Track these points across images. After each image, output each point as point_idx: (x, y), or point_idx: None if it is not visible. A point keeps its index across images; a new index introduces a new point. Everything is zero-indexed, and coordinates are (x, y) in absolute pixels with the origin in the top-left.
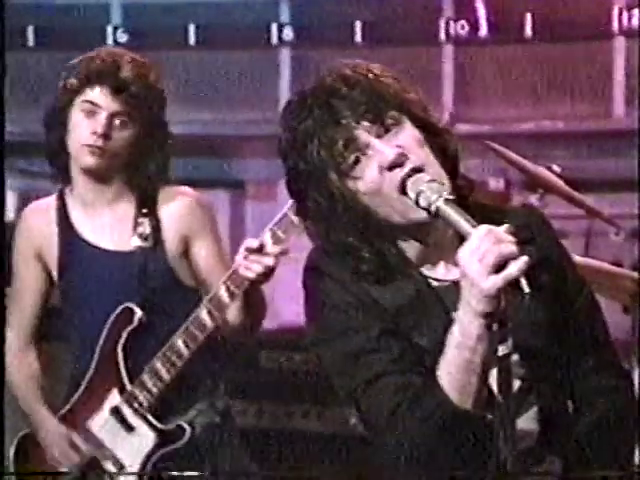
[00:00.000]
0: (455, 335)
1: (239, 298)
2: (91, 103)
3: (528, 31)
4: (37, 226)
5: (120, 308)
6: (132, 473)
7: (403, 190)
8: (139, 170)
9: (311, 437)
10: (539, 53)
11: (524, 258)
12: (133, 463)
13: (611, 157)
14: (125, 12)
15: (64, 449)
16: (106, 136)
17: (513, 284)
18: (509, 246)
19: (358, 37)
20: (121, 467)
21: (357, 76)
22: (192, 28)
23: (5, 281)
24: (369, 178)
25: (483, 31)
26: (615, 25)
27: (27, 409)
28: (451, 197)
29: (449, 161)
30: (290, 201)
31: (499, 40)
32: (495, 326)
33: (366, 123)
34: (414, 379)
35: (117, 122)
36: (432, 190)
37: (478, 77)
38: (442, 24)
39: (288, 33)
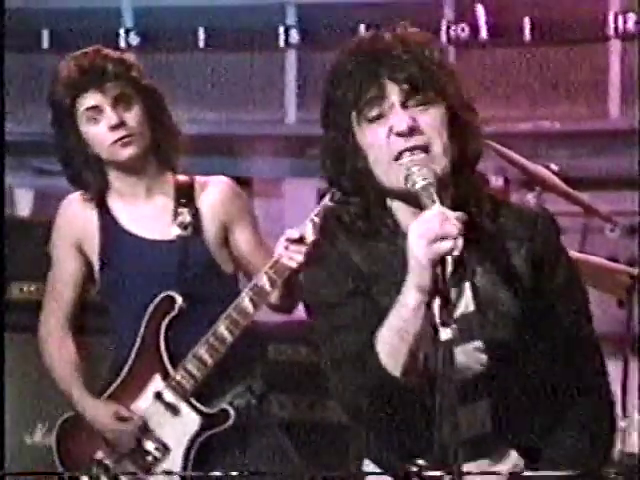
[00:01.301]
0: (396, 303)
1: (280, 285)
2: (90, 109)
3: (527, 34)
4: (78, 216)
5: (161, 296)
6: (176, 473)
7: (398, 160)
8: (163, 139)
9: (316, 427)
10: (537, 55)
11: (460, 240)
12: (178, 446)
13: (607, 156)
14: (137, 16)
15: (114, 424)
16: (122, 123)
17: (458, 265)
18: (452, 227)
19: None
20: (165, 449)
21: (414, 45)
22: (201, 31)
23: (5, 280)
24: (379, 135)
25: (483, 34)
26: (611, 28)
27: (69, 394)
28: (431, 182)
29: (468, 156)
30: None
31: (499, 43)
32: (437, 306)
33: (403, 87)
34: (365, 338)
35: (121, 106)
36: (419, 174)
37: (478, 78)
38: (443, 27)
39: (294, 36)
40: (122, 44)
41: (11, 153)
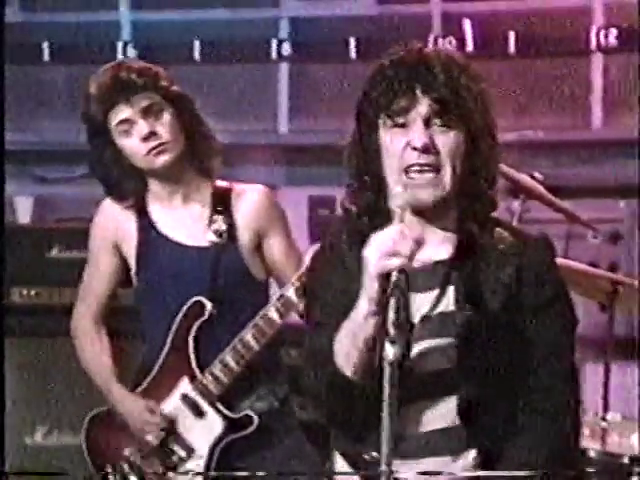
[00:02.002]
0: (354, 308)
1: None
2: (122, 122)
3: (512, 48)
4: (116, 217)
5: (191, 301)
6: (199, 473)
7: (407, 173)
8: (196, 145)
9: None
10: (522, 68)
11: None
12: (202, 447)
13: (589, 165)
14: (134, 29)
15: (144, 417)
16: (153, 133)
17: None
18: (406, 246)
19: (352, 53)
20: (190, 450)
21: (454, 66)
22: (197, 44)
23: (5, 281)
24: (398, 143)
25: (469, 47)
26: (593, 43)
27: (102, 387)
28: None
29: (480, 181)
30: None
31: (484, 56)
32: (392, 323)
33: (432, 105)
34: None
35: (152, 116)
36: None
37: None
38: (431, 41)
39: (287, 49)
40: (120, 56)
41: (12, 162)
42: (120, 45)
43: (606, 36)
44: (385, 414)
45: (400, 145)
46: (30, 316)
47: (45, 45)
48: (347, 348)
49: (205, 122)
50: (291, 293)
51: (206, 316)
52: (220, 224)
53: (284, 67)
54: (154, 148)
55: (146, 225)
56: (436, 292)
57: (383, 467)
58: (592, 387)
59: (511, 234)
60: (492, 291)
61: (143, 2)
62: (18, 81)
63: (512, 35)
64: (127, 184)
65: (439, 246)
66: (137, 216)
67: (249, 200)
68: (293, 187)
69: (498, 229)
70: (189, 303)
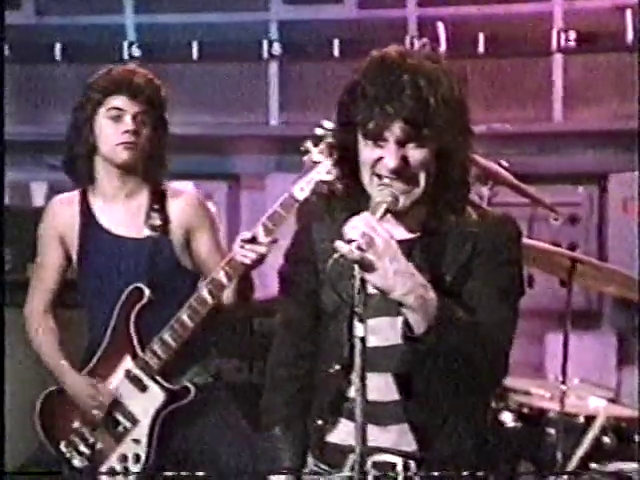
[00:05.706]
0: None
1: (234, 280)
2: (117, 109)
3: (481, 48)
4: (61, 214)
5: (131, 287)
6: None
7: (380, 178)
8: (152, 163)
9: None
10: (490, 67)
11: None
12: (145, 418)
13: (551, 154)
14: (138, 31)
15: (88, 393)
16: (136, 132)
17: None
18: (355, 233)
19: (336, 53)
20: (134, 421)
21: (429, 78)
22: (195, 44)
23: (5, 280)
24: (371, 155)
25: (442, 48)
26: (554, 44)
27: (52, 366)
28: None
29: (451, 181)
30: (281, 198)
31: (456, 55)
32: (359, 303)
33: (405, 126)
34: (295, 311)
35: (140, 120)
36: (380, 201)
37: None
38: (407, 41)
39: (276, 49)
40: (126, 56)
41: (28, 151)
42: (125, 45)
43: (566, 38)
44: (357, 386)
45: (374, 157)
46: None
47: (57, 46)
48: None
49: (166, 151)
50: (221, 276)
51: (145, 300)
52: (156, 220)
53: (274, 65)
54: (128, 143)
55: (88, 219)
56: None
57: (358, 440)
58: (552, 354)
59: (477, 214)
60: (448, 268)
61: (147, 6)
62: (32, 78)
63: (481, 37)
64: (83, 166)
65: (406, 226)
66: (80, 211)
67: (180, 201)
68: (281, 174)
69: (469, 209)
70: (129, 289)
